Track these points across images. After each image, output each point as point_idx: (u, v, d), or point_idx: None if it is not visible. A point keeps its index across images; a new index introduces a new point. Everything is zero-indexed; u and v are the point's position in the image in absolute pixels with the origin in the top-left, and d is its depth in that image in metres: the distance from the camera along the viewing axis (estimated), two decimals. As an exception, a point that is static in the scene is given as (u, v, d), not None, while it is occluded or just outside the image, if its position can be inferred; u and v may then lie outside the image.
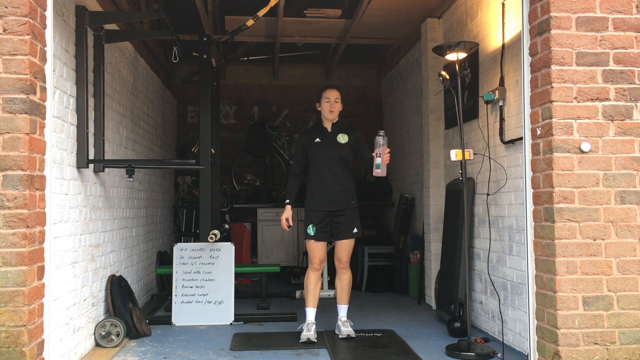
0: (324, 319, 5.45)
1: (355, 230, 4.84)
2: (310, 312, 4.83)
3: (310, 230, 4.79)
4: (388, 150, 4.63)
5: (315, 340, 4.68)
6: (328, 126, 4.92)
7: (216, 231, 5.58)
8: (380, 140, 4.61)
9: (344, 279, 4.92)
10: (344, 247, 4.85)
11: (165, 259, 7.15)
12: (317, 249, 4.81)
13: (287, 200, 4.89)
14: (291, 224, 4.88)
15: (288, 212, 4.86)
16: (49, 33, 3.31)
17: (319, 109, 4.93)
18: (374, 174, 4.67)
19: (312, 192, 4.85)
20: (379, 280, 7.27)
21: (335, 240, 4.88)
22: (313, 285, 4.85)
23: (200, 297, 5.44)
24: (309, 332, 4.71)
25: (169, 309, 5.59)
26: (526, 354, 4.05)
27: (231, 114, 9.21)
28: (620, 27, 3.50)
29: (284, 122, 9.21)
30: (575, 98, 3.46)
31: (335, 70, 9.02)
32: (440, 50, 4.69)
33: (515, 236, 4.38)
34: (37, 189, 3.17)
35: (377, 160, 4.61)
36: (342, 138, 4.86)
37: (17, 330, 3.02)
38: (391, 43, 7.54)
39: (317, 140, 4.86)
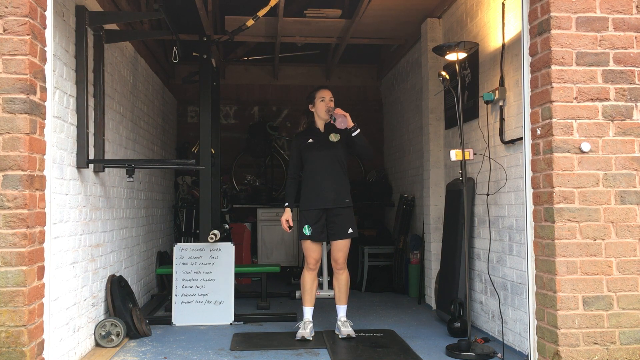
0: (324, 319, 5.46)
1: (350, 230, 4.87)
2: (307, 311, 4.89)
3: (306, 231, 4.82)
4: (338, 109, 4.82)
5: (311, 339, 4.72)
6: (321, 126, 4.99)
7: (216, 231, 5.59)
8: (331, 114, 4.84)
9: (342, 279, 4.94)
10: (340, 248, 4.88)
11: (165, 259, 7.15)
12: (312, 250, 4.85)
13: (287, 203, 4.94)
14: (291, 224, 4.92)
15: (288, 214, 4.92)
16: (49, 33, 3.31)
17: (313, 110, 5.01)
18: (338, 127, 4.79)
19: (306, 192, 4.90)
20: (379, 280, 7.27)
21: (331, 240, 4.91)
22: (309, 284, 4.90)
23: (200, 297, 5.44)
24: (304, 330, 4.76)
25: (169, 309, 5.59)
26: (526, 354, 4.05)
27: (231, 114, 9.21)
28: (620, 27, 3.50)
29: (284, 122, 9.21)
30: (575, 98, 3.46)
31: (335, 70, 9.02)
32: (440, 50, 4.69)
33: (515, 236, 4.38)
34: (37, 189, 3.17)
35: (332, 120, 4.82)
36: (335, 137, 4.94)
37: (17, 330, 3.02)
38: (391, 43, 7.54)
39: (310, 140, 4.93)
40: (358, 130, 4.85)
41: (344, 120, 4.75)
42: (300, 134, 5.08)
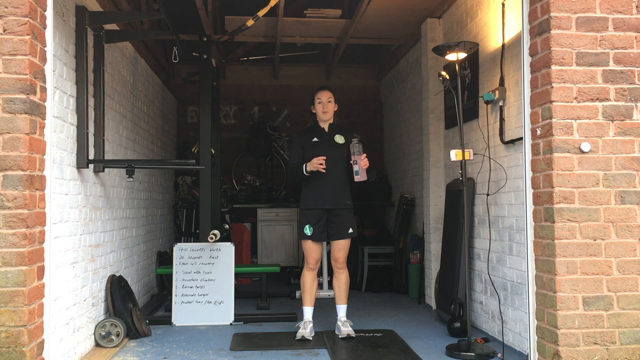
0: (324, 319, 5.46)
1: (350, 230, 4.87)
2: (307, 311, 4.89)
3: (307, 231, 4.82)
4: (364, 155, 4.72)
5: (311, 339, 4.72)
6: (325, 127, 4.99)
7: (216, 231, 5.58)
8: (356, 147, 4.72)
9: (342, 278, 4.94)
10: (340, 248, 4.89)
11: (165, 259, 7.15)
12: (313, 250, 4.86)
13: (302, 167, 4.77)
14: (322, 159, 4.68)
15: (311, 162, 4.72)
16: (49, 33, 3.31)
17: (314, 112, 5.00)
18: (355, 179, 4.77)
19: (308, 192, 4.89)
20: (379, 280, 7.27)
21: (331, 240, 4.92)
22: (309, 284, 4.90)
23: (200, 297, 5.44)
24: (304, 330, 4.76)
25: (169, 309, 5.59)
26: (526, 354, 4.05)
27: (231, 114, 9.21)
28: (620, 27, 3.50)
29: (284, 122, 9.21)
30: (575, 98, 3.46)
31: (335, 70, 9.02)
32: (440, 51, 4.69)
33: (515, 236, 4.38)
34: (37, 189, 3.17)
35: (355, 167, 4.73)
36: (340, 139, 4.92)
37: (17, 330, 3.02)
38: (391, 43, 7.54)
39: (315, 139, 4.92)
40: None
41: (363, 175, 4.70)
42: (304, 131, 5.07)
